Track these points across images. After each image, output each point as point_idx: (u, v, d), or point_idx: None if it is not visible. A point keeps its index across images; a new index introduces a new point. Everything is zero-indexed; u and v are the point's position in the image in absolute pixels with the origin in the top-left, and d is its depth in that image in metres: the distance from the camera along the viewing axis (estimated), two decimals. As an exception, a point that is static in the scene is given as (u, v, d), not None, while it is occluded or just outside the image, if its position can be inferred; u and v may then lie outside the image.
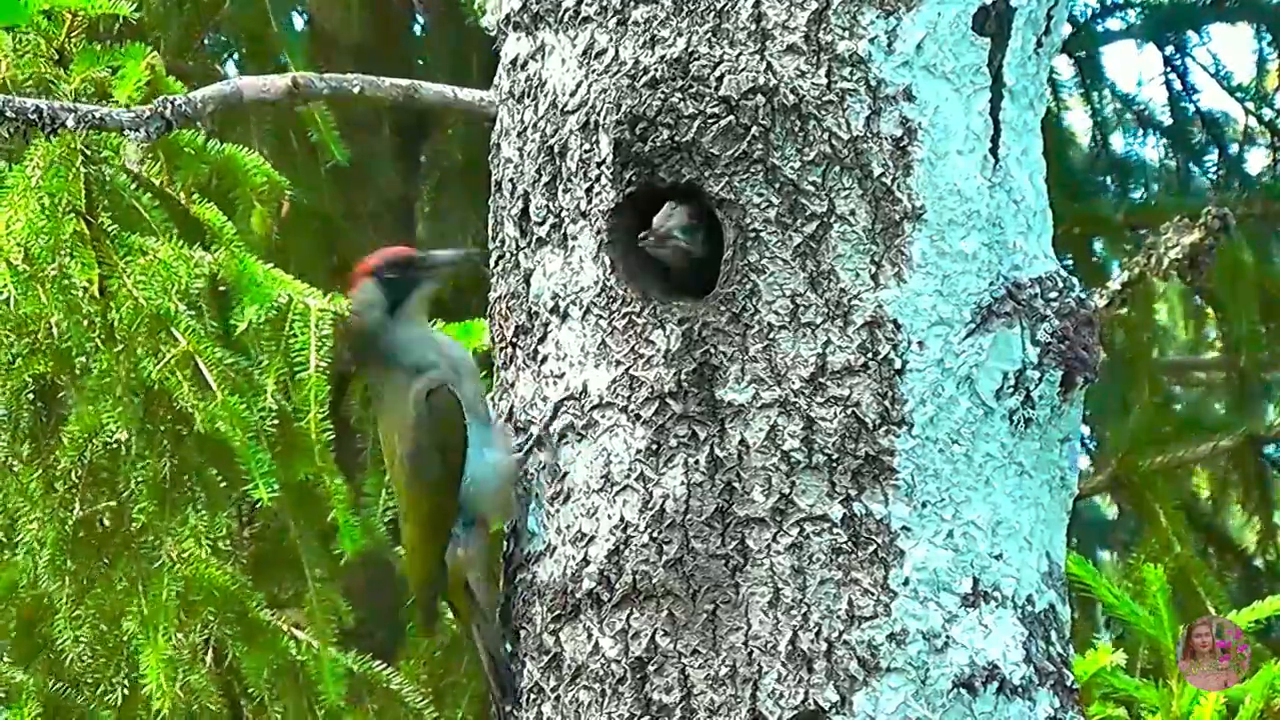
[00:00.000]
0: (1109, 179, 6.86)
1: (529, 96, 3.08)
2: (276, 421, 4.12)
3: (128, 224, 4.15)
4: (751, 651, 2.89)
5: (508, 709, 3.02)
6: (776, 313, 2.92)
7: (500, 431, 3.02)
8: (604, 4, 3.01)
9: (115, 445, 4.05)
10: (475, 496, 3.01)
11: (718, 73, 2.94)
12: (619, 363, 2.98)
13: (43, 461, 4.10)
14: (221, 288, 4.17)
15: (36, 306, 4.00)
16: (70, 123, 3.83)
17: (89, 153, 4.04)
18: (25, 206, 3.98)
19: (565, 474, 3.00)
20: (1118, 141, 6.89)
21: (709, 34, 2.95)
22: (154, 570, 4.08)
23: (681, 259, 2.98)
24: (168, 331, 4.05)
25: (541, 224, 3.06)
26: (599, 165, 3.00)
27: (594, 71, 3.01)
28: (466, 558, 3.02)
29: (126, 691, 4.08)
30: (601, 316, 3.00)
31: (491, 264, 3.15)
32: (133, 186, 4.16)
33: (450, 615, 3.16)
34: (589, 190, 3.01)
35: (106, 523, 4.12)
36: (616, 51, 2.99)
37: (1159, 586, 3.92)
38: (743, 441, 2.92)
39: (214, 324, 4.16)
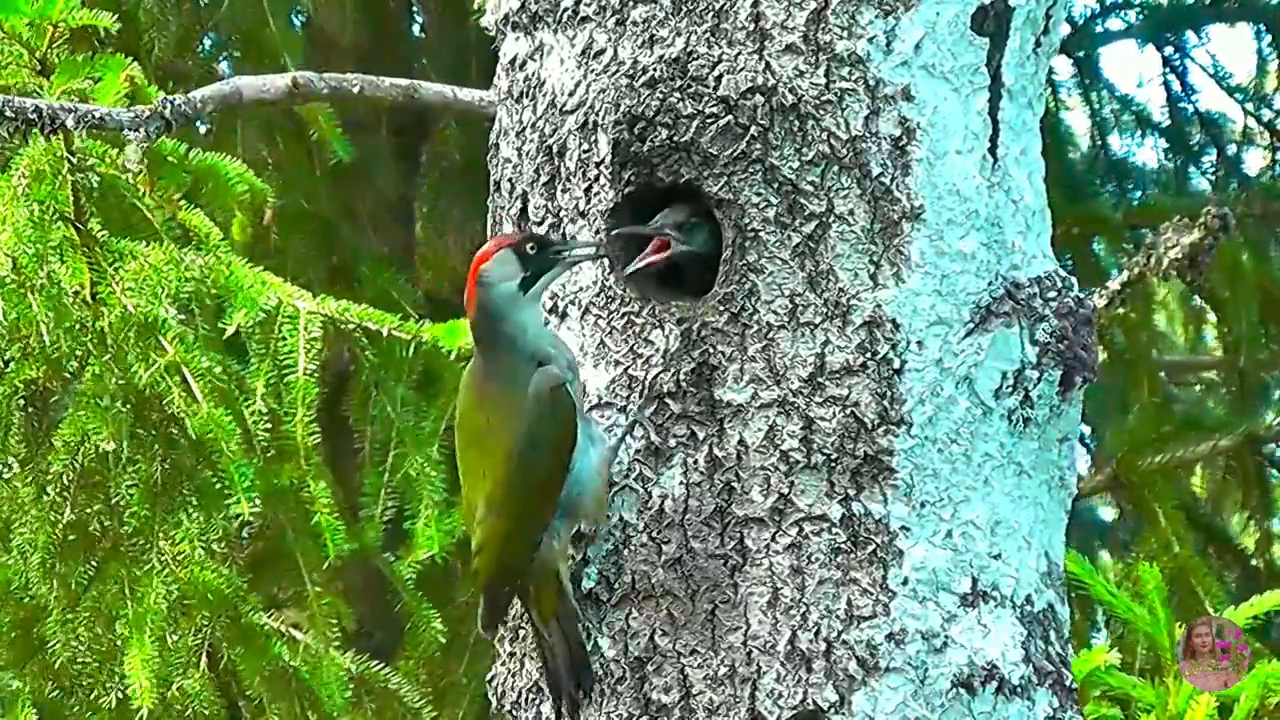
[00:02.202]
0: (1108, 179, 6.86)
1: (528, 96, 3.08)
2: (268, 425, 4.12)
3: (117, 229, 4.14)
4: (750, 651, 2.89)
5: (579, 703, 2.96)
6: (775, 312, 2.92)
7: (598, 429, 2.98)
8: (602, 4, 3.01)
9: (107, 450, 4.05)
10: (576, 494, 2.94)
11: (716, 72, 2.94)
12: (618, 362, 2.98)
13: (34, 467, 4.10)
14: (213, 291, 4.17)
15: (27, 313, 4.00)
16: (70, 123, 3.83)
17: (76, 159, 4.04)
18: (13, 214, 3.97)
19: (564, 474, 3.00)
20: (1116, 142, 6.89)
21: (707, 34, 2.95)
22: (144, 574, 4.08)
23: (680, 259, 2.97)
24: (157, 339, 4.05)
25: (540, 224, 3.06)
26: (598, 165, 3.00)
27: (592, 71, 3.00)
28: (561, 549, 2.95)
29: (120, 695, 4.08)
30: (600, 316, 3.00)
31: None
32: (121, 194, 4.16)
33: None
34: (588, 190, 3.01)
35: (98, 527, 4.12)
36: (615, 51, 2.99)
37: (1155, 585, 3.92)
38: (741, 441, 2.92)
39: (205, 328, 4.16)
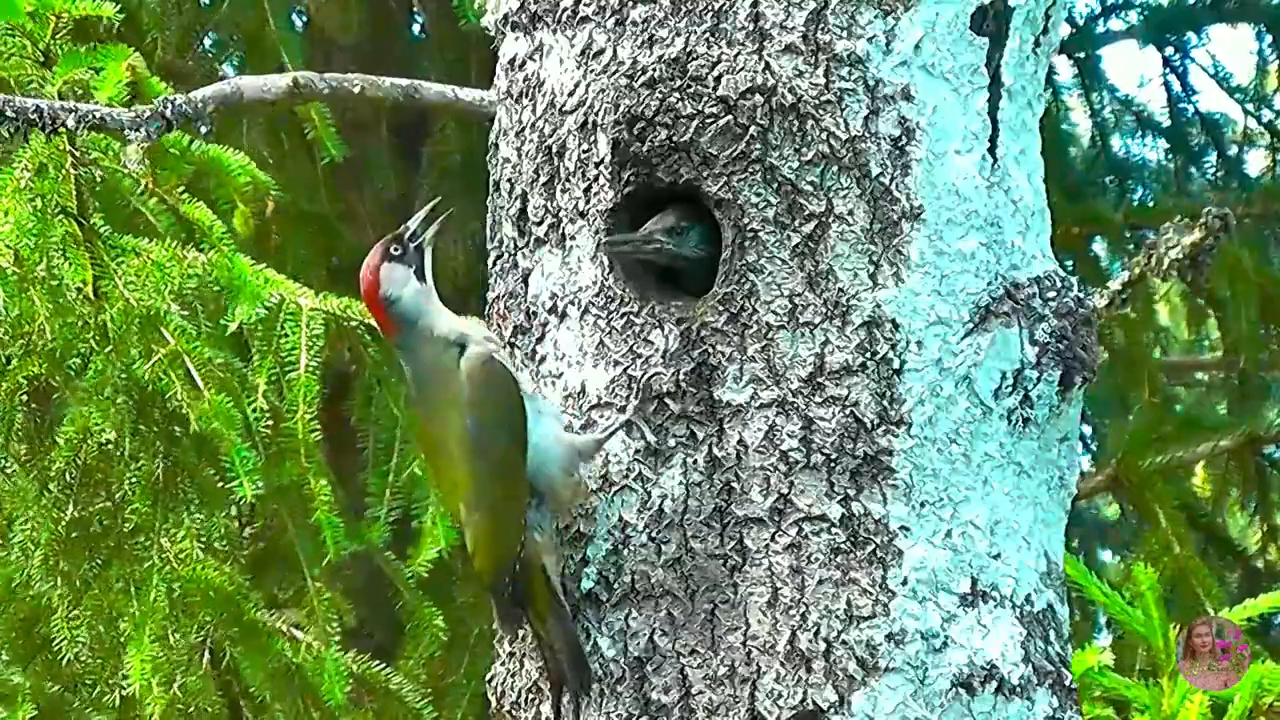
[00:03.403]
0: (1109, 179, 6.87)
1: (527, 96, 3.08)
2: (270, 422, 4.13)
3: (120, 224, 4.15)
4: (750, 651, 2.89)
5: (581, 702, 2.95)
6: (775, 312, 2.92)
7: (549, 404, 2.97)
8: (602, 4, 3.01)
9: (109, 446, 4.05)
10: (540, 465, 2.91)
11: (716, 72, 2.94)
12: (617, 363, 2.98)
13: (37, 463, 4.10)
14: (215, 287, 4.17)
15: (29, 308, 4.00)
16: (70, 122, 3.83)
17: (79, 154, 4.04)
18: (15, 209, 3.98)
19: (564, 474, 3.00)
20: (1117, 142, 6.90)
21: (707, 34, 2.95)
22: (146, 572, 4.08)
23: (669, 260, 2.98)
24: (159, 332, 4.05)
25: (540, 224, 3.06)
26: (597, 165, 3.00)
27: (592, 71, 3.01)
28: (544, 543, 2.93)
29: (124, 693, 4.08)
30: (600, 316, 3.00)
31: (490, 263, 3.15)
32: (128, 182, 4.16)
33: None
34: (587, 190, 3.01)
35: (101, 523, 4.13)
36: (615, 51, 2.99)
37: (1149, 585, 3.92)
38: (741, 441, 2.92)
39: (208, 323, 4.16)
